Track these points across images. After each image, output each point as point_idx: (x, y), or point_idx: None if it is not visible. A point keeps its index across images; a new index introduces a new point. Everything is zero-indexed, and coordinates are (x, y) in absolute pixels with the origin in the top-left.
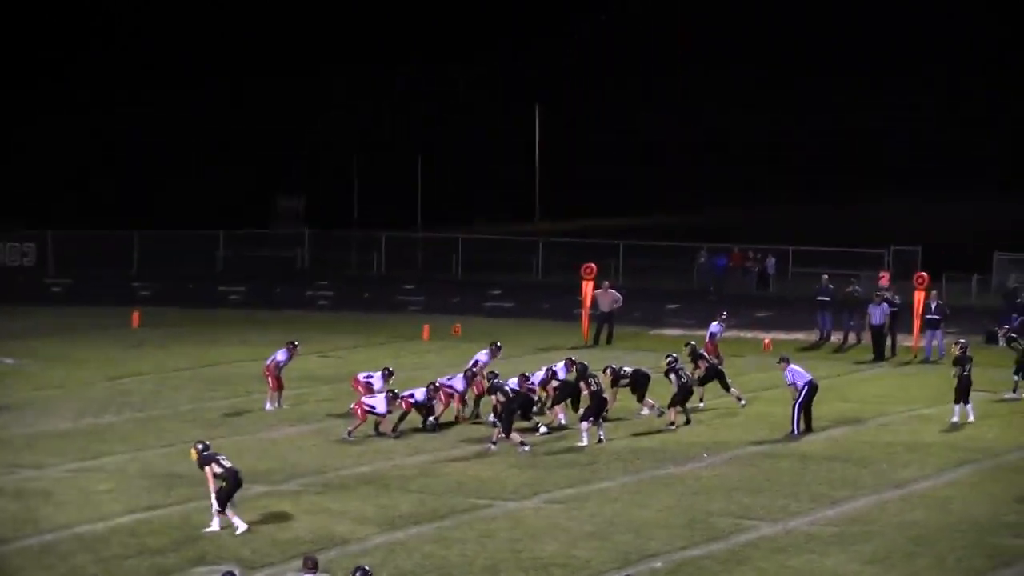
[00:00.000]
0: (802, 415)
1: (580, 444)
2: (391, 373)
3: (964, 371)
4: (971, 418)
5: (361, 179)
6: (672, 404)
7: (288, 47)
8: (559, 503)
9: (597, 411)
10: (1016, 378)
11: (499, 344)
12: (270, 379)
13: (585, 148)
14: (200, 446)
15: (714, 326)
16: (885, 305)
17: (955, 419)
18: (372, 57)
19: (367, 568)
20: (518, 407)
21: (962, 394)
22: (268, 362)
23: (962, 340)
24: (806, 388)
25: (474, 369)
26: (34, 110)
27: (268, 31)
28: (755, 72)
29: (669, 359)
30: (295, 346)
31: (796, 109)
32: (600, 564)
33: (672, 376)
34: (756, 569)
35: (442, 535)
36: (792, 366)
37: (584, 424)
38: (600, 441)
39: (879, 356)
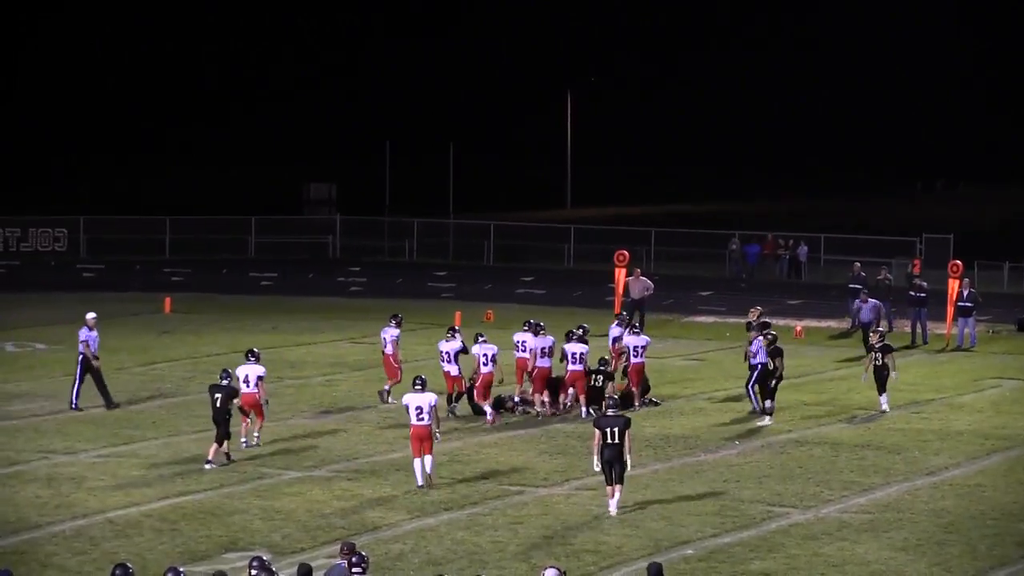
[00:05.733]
0: (757, 391)
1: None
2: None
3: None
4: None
5: (393, 165)
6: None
7: (319, 33)
8: (590, 490)
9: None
10: None
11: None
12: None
13: (618, 135)
14: None
15: (620, 331)
16: (911, 293)
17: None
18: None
19: (363, 554)
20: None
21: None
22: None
23: (880, 329)
24: (759, 368)
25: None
26: (68, 98)
27: (300, 17)
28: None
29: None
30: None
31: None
32: (631, 551)
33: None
34: (788, 556)
35: (473, 521)
36: (760, 339)
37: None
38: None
39: (912, 343)
